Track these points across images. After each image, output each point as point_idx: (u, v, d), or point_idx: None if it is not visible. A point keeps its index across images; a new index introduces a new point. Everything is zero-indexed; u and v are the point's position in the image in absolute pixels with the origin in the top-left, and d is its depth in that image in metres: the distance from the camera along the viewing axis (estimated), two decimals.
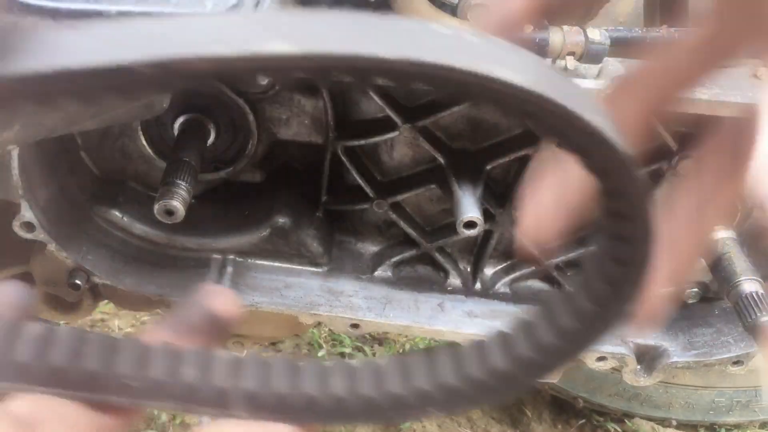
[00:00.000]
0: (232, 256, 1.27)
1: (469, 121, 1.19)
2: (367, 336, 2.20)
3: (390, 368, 0.41)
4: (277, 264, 1.28)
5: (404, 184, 1.23)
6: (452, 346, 0.42)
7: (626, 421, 1.98)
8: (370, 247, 1.33)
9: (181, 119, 1.16)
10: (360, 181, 1.21)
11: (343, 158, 1.19)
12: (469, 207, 1.13)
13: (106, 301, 1.36)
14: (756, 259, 1.19)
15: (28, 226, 1.09)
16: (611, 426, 2.00)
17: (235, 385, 0.40)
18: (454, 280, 1.31)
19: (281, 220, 1.23)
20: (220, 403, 0.40)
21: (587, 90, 0.98)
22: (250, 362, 0.42)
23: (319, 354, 2.15)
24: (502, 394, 0.41)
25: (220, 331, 0.44)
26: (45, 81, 0.25)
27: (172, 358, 0.41)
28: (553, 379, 1.48)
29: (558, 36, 0.98)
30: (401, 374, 0.41)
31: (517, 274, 1.31)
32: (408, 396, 0.40)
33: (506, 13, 0.41)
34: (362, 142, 1.18)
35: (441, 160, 1.18)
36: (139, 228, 1.23)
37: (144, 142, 1.20)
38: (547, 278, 1.33)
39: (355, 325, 1.24)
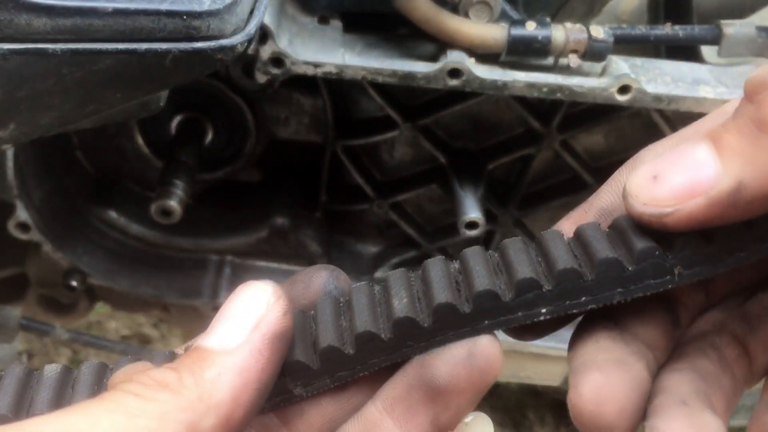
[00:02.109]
0: (230, 257, 1.26)
1: (471, 120, 1.18)
2: None
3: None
4: (275, 265, 1.27)
5: (405, 184, 1.22)
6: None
7: None
8: (370, 248, 1.32)
9: (178, 118, 1.15)
10: (360, 181, 1.19)
11: (343, 158, 1.18)
12: (471, 207, 1.12)
13: (102, 302, 1.35)
14: None
15: (23, 227, 1.08)
16: None
17: None
18: None
19: (280, 220, 1.22)
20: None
21: None
22: None
23: None
24: None
25: None
26: None
27: None
28: (555, 382, 1.47)
29: (561, 34, 0.97)
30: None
31: None
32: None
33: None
34: (362, 141, 1.17)
35: (442, 159, 1.17)
36: (136, 228, 1.22)
37: (141, 142, 1.18)
38: None
39: None
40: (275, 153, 1.24)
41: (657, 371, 0.39)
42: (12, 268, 1.25)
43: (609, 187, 0.43)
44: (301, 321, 0.40)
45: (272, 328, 0.36)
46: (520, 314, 0.38)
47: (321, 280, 0.42)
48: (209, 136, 1.16)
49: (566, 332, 0.43)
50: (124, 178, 1.23)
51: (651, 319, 0.40)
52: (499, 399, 2.08)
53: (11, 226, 1.07)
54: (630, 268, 0.37)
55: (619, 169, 0.44)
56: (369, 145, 1.18)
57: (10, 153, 0.99)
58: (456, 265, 0.40)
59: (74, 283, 1.17)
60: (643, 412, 0.36)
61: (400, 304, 0.38)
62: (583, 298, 0.38)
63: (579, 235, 0.39)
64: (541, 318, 0.38)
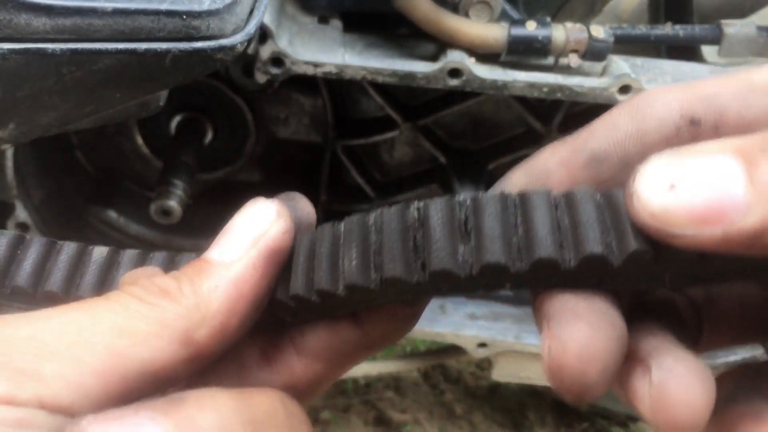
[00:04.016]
0: None
1: (471, 120, 1.17)
2: None
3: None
4: None
5: (405, 184, 1.22)
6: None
7: (630, 424, 1.96)
8: None
9: (178, 118, 1.14)
10: (360, 181, 1.19)
11: (343, 158, 1.18)
12: None
13: None
14: None
15: (23, 227, 1.07)
16: (615, 430, 1.99)
17: None
18: None
19: None
20: None
21: None
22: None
23: None
24: None
25: None
26: None
27: None
28: None
29: (561, 33, 0.96)
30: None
31: None
32: None
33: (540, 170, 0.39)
34: (362, 141, 1.17)
35: (442, 159, 1.17)
36: (135, 228, 1.21)
37: (140, 141, 1.18)
38: None
39: None
40: (275, 153, 1.24)
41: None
42: None
43: (606, 126, 0.38)
44: (309, 244, 0.38)
45: (270, 244, 0.37)
46: (483, 287, 0.35)
47: (307, 207, 0.42)
48: (209, 136, 1.16)
49: None
50: (123, 178, 1.23)
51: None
52: (499, 399, 2.08)
53: (11, 226, 1.07)
54: (615, 265, 0.32)
55: (621, 107, 0.38)
56: (369, 145, 1.18)
57: (9, 153, 0.99)
58: (416, 214, 0.35)
59: None
60: (618, 371, 0.32)
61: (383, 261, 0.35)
62: (553, 281, 0.34)
63: (570, 206, 0.34)
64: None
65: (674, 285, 0.35)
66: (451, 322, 1.26)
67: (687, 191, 0.30)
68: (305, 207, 0.42)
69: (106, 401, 0.31)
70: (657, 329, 0.35)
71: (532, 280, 0.34)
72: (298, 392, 0.40)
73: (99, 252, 0.42)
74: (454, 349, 1.40)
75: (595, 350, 0.31)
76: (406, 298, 0.38)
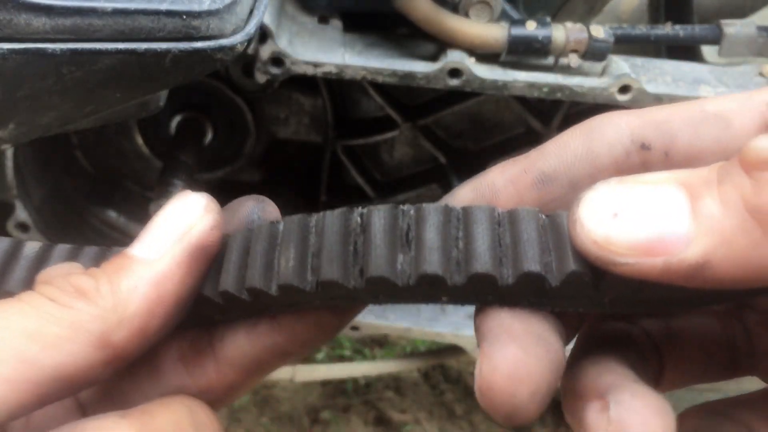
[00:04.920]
0: None
1: (471, 120, 1.17)
2: (367, 338, 2.18)
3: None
4: None
5: (405, 184, 1.22)
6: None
7: None
8: None
9: (178, 118, 1.14)
10: (360, 181, 1.19)
11: (343, 158, 1.18)
12: None
13: None
14: None
15: (23, 227, 1.07)
16: None
17: None
18: None
19: None
20: None
21: None
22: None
23: (318, 356, 2.13)
24: None
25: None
26: None
27: None
28: None
29: (561, 33, 0.96)
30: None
31: None
32: None
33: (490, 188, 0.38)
34: (362, 141, 1.17)
35: (442, 159, 1.17)
36: (135, 229, 1.21)
37: (140, 141, 1.18)
38: None
39: (355, 328, 1.23)
40: (275, 153, 1.24)
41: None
42: None
43: (557, 147, 0.37)
44: (242, 243, 0.37)
45: (196, 241, 0.35)
46: (420, 298, 0.35)
47: (246, 209, 0.40)
48: (209, 136, 1.16)
49: None
50: (123, 178, 1.23)
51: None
52: None
53: (11, 226, 1.07)
54: (553, 285, 0.32)
55: (573, 129, 0.38)
56: (369, 145, 1.18)
57: (9, 153, 0.99)
58: (359, 220, 0.35)
59: None
60: (551, 396, 0.32)
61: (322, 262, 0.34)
62: (490, 297, 0.34)
63: (512, 223, 0.34)
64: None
65: (614, 309, 0.35)
66: (451, 322, 1.26)
67: (630, 221, 0.30)
68: (273, 212, 0.40)
69: (18, 409, 0.30)
70: (615, 364, 0.35)
71: (469, 294, 0.34)
72: (213, 398, 0.38)
73: (31, 247, 0.41)
74: (454, 349, 1.40)
75: (526, 372, 0.31)
76: (339, 303, 0.36)
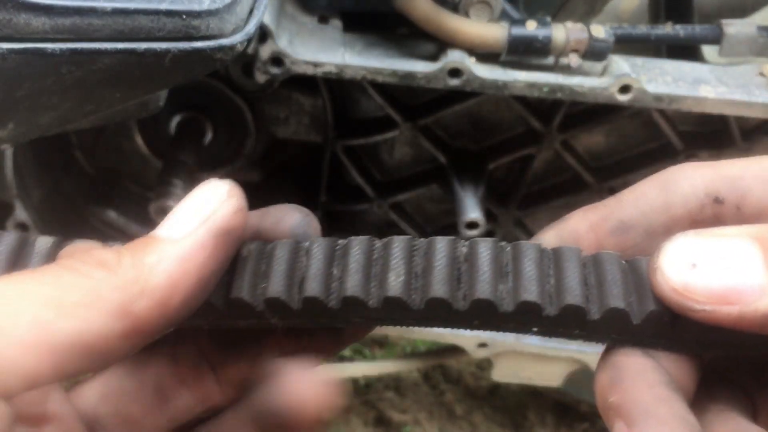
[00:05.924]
0: None
1: (471, 120, 1.17)
2: (367, 339, 2.18)
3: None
4: None
5: (405, 184, 1.22)
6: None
7: None
8: None
9: (177, 117, 1.14)
10: (360, 181, 1.19)
11: (343, 158, 1.18)
12: (471, 207, 1.12)
13: None
14: None
15: (23, 227, 1.07)
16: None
17: None
18: None
19: None
20: None
21: None
22: None
23: None
24: None
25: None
26: None
27: None
28: (556, 383, 1.47)
29: (561, 33, 0.96)
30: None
31: None
32: None
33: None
34: (362, 141, 1.16)
35: (442, 159, 1.17)
36: (135, 229, 1.21)
37: (140, 141, 1.18)
38: None
39: None
40: (275, 153, 1.24)
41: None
42: None
43: (633, 198, 0.40)
44: (258, 253, 0.39)
45: (219, 223, 0.36)
46: (512, 326, 0.37)
47: (293, 220, 0.42)
48: (209, 136, 1.16)
49: None
50: (123, 178, 1.23)
51: (681, 357, 0.38)
52: (499, 400, 2.08)
53: (10, 226, 1.07)
54: (635, 322, 0.36)
55: (649, 180, 0.41)
56: (369, 145, 1.18)
57: (9, 153, 0.98)
58: (463, 250, 0.38)
59: None
60: None
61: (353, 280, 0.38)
62: (576, 332, 0.37)
63: (597, 265, 0.37)
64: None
65: (690, 349, 0.37)
66: None
67: (707, 271, 0.33)
68: (317, 227, 0.42)
69: (35, 377, 0.30)
70: (730, 412, 0.37)
71: (558, 326, 0.37)
72: (219, 410, 0.41)
73: (43, 241, 0.41)
74: (454, 349, 1.40)
75: None
76: (407, 324, 0.39)
